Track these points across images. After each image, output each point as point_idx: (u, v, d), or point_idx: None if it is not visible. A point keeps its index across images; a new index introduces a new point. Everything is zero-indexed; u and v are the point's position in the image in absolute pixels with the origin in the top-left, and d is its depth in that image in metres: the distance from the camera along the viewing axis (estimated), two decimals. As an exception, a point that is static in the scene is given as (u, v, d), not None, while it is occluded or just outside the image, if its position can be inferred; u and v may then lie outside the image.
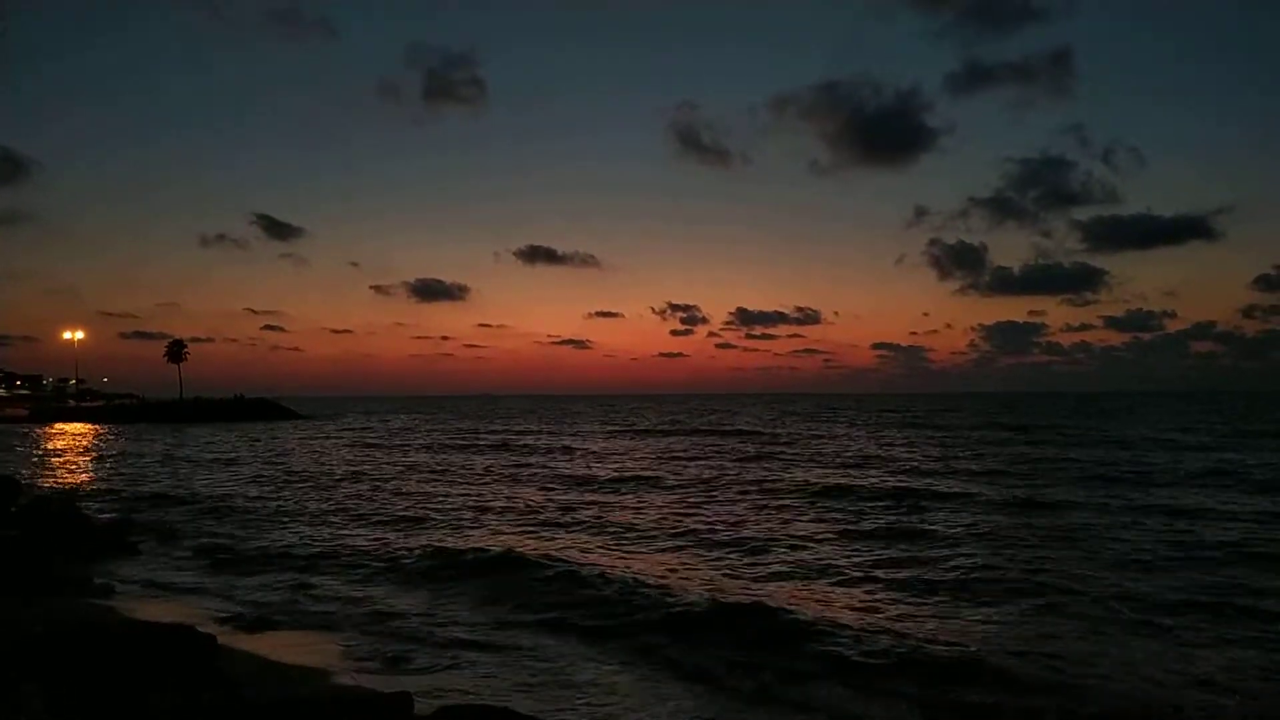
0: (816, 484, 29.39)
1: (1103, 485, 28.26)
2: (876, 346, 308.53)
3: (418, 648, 11.39)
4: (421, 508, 25.23)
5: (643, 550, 18.42)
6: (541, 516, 23.49)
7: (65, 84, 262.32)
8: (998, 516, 22.02)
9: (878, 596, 13.97)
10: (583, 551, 18.01)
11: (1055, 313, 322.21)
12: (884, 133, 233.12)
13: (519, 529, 21.44)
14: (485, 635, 11.97)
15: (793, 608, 12.77)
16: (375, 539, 19.91)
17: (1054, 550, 17.40)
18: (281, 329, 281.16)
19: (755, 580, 15.30)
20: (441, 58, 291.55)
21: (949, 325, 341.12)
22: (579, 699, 9.45)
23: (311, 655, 10.98)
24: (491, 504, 26.22)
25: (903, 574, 15.44)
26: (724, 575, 15.73)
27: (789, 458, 42.50)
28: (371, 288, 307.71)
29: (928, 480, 30.57)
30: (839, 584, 14.87)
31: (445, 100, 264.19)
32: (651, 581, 14.55)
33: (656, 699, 9.50)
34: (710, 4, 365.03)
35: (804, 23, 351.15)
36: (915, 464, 37.37)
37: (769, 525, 21.46)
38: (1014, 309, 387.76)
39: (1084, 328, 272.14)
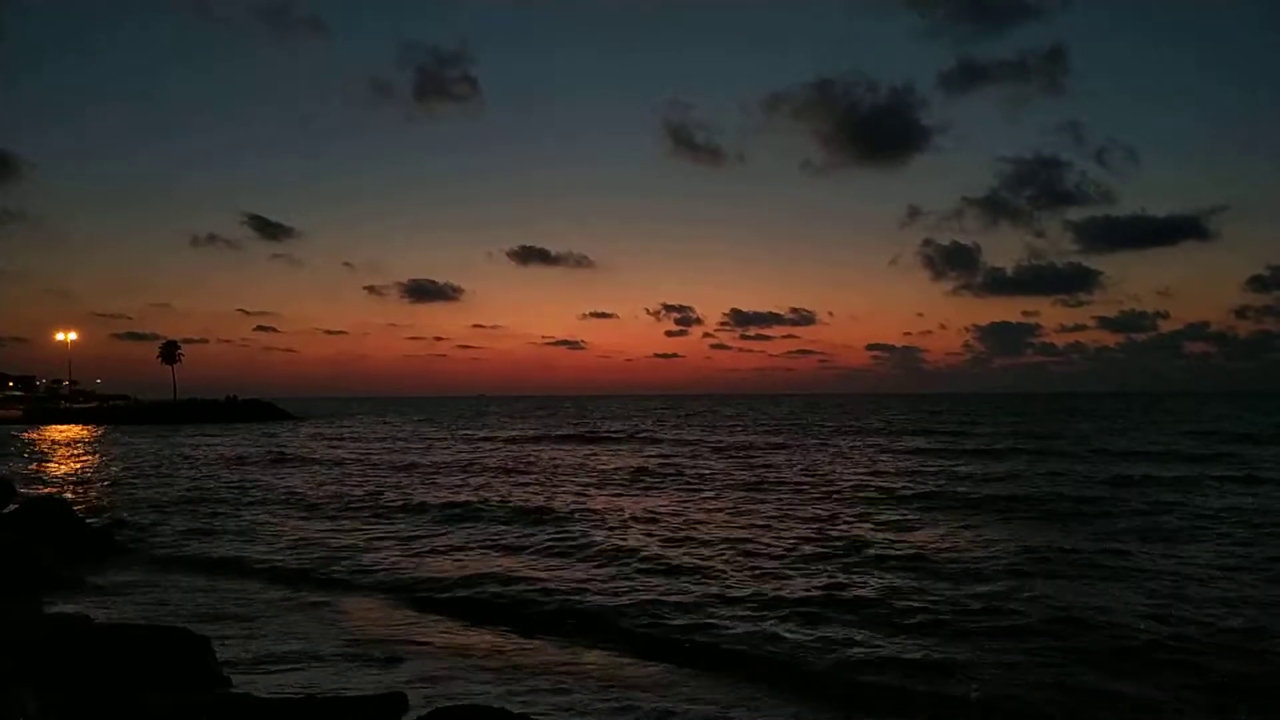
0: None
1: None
2: (871, 347, 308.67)
3: (413, 648, 11.40)
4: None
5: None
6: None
7: (57, 85, 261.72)
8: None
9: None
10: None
11: (1049, 313, 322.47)
12: (878, 132, 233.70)
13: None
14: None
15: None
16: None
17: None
18: (275, 330, 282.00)
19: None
20: (433, 56, 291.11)
21: (943, 326, 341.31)
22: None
23: (306, 655, 10.98)
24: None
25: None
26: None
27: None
28: (365, 288, 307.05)
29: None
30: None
31: (438, 99, 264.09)
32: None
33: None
34: (703, 2, 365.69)
35: (797, 20, 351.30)
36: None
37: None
38: (1008, 310, 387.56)
39: (1078, 328, 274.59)
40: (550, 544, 18.84)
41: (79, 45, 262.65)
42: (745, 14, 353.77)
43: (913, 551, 17.24)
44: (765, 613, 12.73)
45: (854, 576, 15.07)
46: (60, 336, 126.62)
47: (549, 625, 12.52)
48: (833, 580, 14.73)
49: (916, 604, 13.02)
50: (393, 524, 22.60)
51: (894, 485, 29.12)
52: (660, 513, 23.64)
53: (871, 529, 20.23)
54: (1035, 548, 17.46)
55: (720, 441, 56.83)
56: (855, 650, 10.93)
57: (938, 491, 27.28)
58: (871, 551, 17.31)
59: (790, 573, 15.51)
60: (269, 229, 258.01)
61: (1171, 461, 36.82)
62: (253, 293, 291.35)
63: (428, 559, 17.61)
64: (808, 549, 17.73)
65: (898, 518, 22.07)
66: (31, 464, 45.97)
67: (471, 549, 18.64)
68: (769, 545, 18.22)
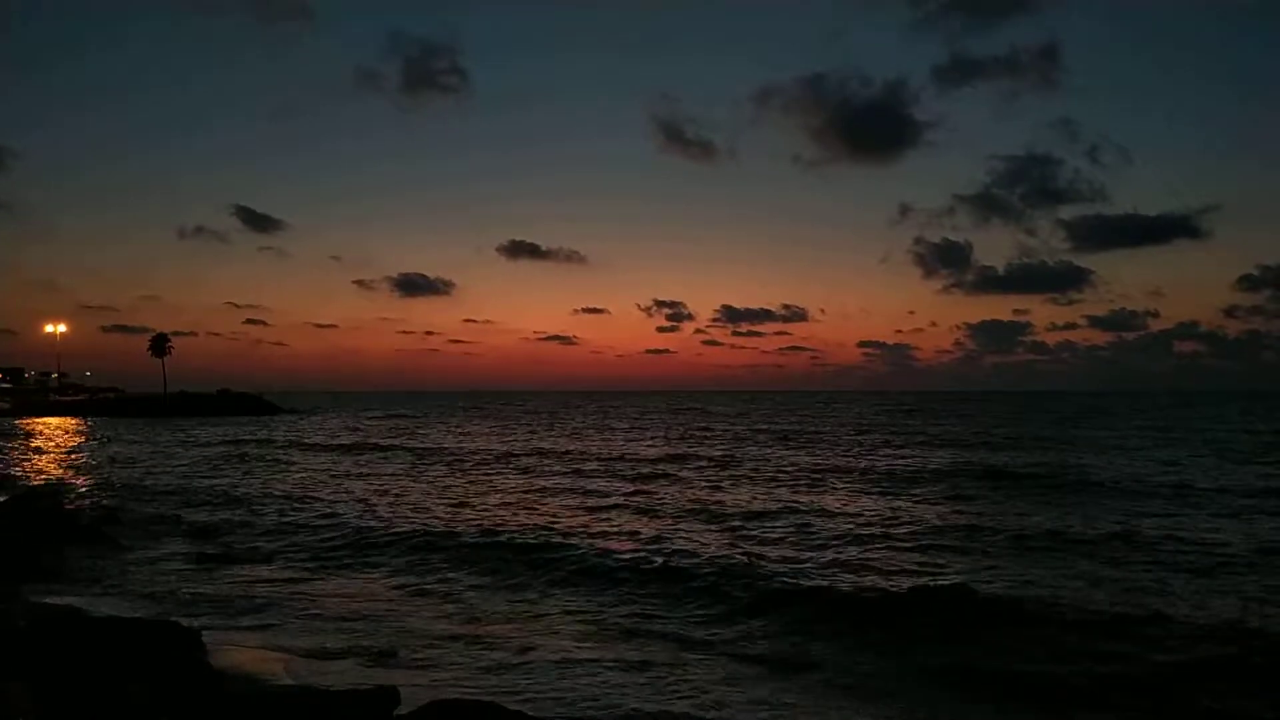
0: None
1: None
2: (863, 344, 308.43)
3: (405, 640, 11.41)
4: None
5: None
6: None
7: (43, 78, 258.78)
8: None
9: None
10: None
11: (1040, 311, 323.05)
12: (869, 127, 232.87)
13: None
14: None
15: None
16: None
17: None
18: (264, 323, 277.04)
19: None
20: (422, 47, 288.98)
21: (934, 324, 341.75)
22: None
23: (298, 648, 10.98)
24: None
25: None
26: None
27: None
28: (354, 282, 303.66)
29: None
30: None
31: (426, 90, 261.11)
32: None
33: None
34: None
35: (788, 14, 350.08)
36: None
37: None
38: (999, 308, 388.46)
39: (1068, 327, 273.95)
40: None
41: (66, 39, 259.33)
42: (737, 8, 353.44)
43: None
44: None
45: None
46: (49, 329, 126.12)
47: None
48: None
49: None
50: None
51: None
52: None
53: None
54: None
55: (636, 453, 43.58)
56: None
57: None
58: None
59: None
60: (257, 221, 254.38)
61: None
62: (242, 286, 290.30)
63: None
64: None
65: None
66: (20, 456, 45.73)
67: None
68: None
